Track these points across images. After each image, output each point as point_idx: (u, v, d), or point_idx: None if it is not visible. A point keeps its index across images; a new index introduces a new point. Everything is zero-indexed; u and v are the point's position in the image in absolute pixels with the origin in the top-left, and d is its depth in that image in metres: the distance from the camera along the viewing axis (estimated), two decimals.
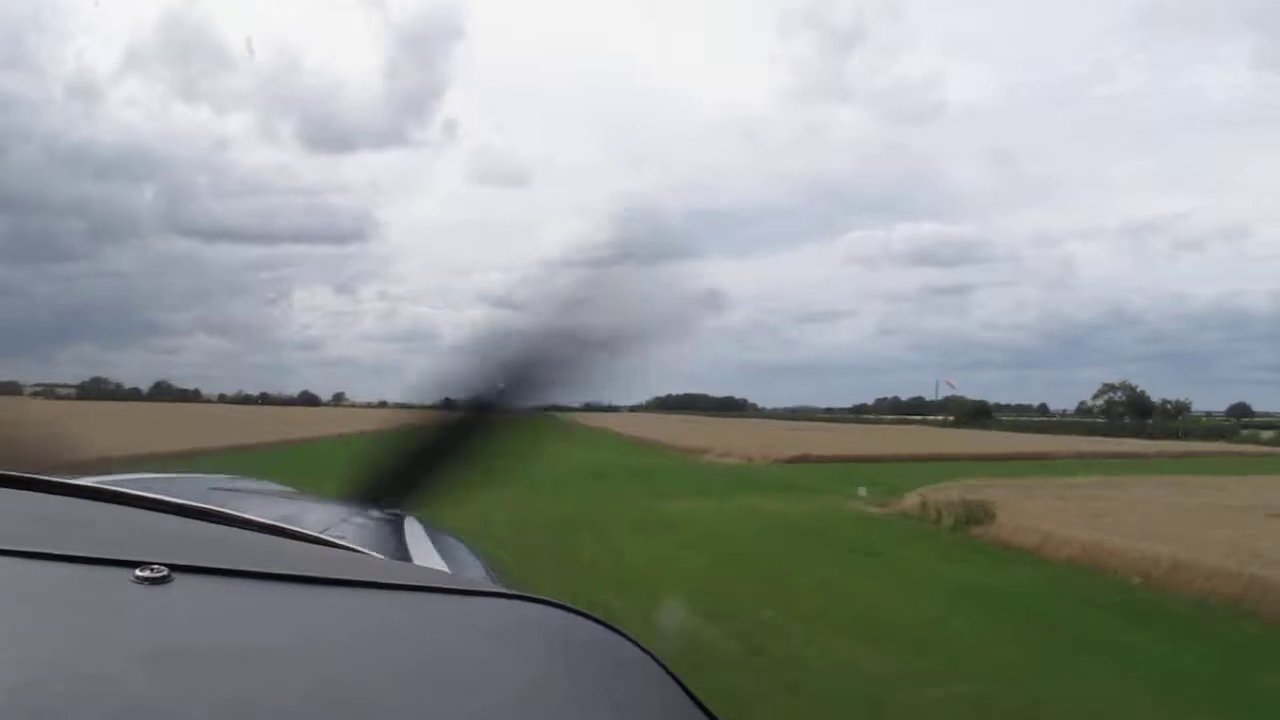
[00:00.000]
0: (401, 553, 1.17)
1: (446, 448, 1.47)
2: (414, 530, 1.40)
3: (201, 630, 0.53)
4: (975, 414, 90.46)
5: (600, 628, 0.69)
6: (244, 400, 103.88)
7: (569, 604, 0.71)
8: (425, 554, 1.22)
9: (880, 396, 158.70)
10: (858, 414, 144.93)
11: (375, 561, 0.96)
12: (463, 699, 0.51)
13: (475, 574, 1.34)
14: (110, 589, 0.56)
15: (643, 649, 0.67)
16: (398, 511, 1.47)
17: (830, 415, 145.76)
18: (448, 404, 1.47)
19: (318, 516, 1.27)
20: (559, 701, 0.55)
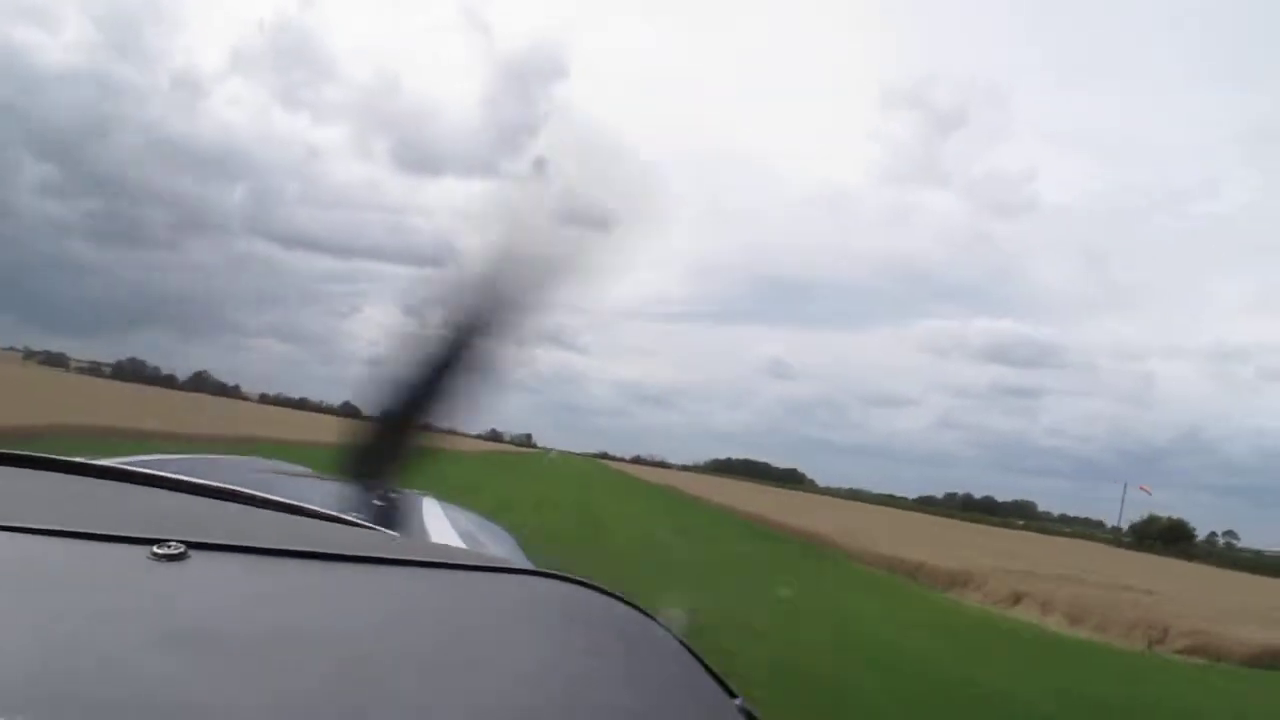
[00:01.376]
0: (421, 531, 1.21)
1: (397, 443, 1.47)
2: (432, 509, 1.51)
3: (218, 608, 0.53)
4: (1170, 537, 72.05)
5: (622, 605, 0.70)
6: (281, 402, 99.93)
7: (591, 581, 0.72)
8: (444, 531, 1.27)
9: (950, 491, 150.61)
10: (924, 505, 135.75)
11: (395, 539, 0.95)
12: (485, 676, 0.51)
13: (498, 550, 1.45)
14: (127, 566, 0.56)
15: (664, 627, 0.70)
16: (418, 491, 1.54)
17: (892, 501, 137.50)
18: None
19: (337, 497, 1.28)
20: (582, 677, 0.55)
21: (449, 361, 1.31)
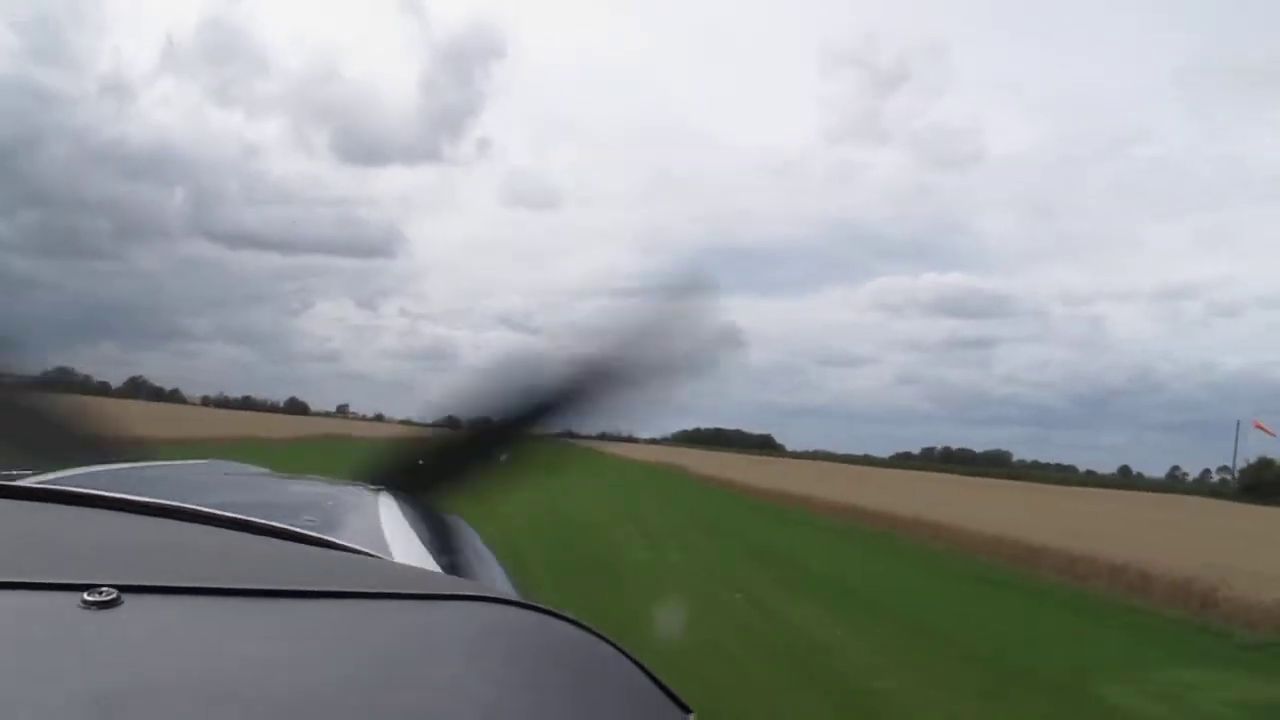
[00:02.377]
0: (375, 532, 1.14)
1: (452, 459, 1.55)
2: (388, 506, 1.36)
3: (150, 660, 0.51)
4: None
5: (572, 627, 0.70)
6: (225, 403, 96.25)
7: (538, 603, 0.72)
8: (400, 531, 1.20)
9: (926, 446, 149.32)
10: (902, 463, 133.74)
11: (339, 558, 0.90)
12: (431, 709, 0.51)
13: (465, 557, 1.33)
14: (56, 617, 0.54)
15: (617, 647, 0.68)
16: (378, 486, 1.45)
17: (868, 460, 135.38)
18: (452, 422, 1.54)
19: (292, 498, 1.30)
20: (532, 705, 0.55)
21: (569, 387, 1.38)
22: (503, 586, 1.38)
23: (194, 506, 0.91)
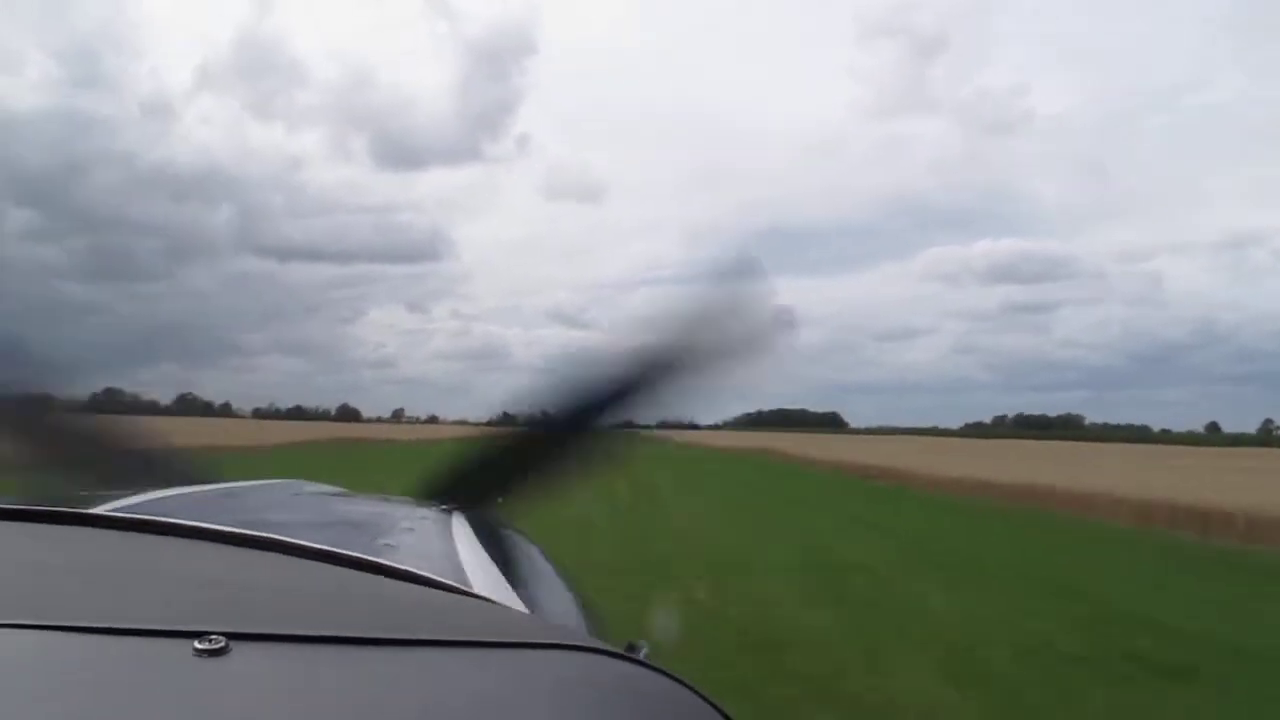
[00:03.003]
0: (453, 559, 1.13)
1: (517, 461, 1.50)
2: (460, 528, 1.34)
3: (260, 708, 0.53)
4: None
5: (670, 682, 0.69)
6: (273, 415, 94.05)
7: (634, 654, 0.71)
8: (474, 554, 1.19)
9: (998, 414, 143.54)
10: (974, 432, 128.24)
11: (433, 597, 0.89)
12: None
13: (539, 583, 1.33)
14: (170, 665, 0.55)
15: (710, 702, 0.68)
16: (454, 508, 1.47)
17: (936, 432, 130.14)
18: (511, 419, 1.51)
19: (368, 521, 1.28)
20: None
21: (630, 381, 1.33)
22: (577, 618, 1.27)
23: (285, 539, 0.91)
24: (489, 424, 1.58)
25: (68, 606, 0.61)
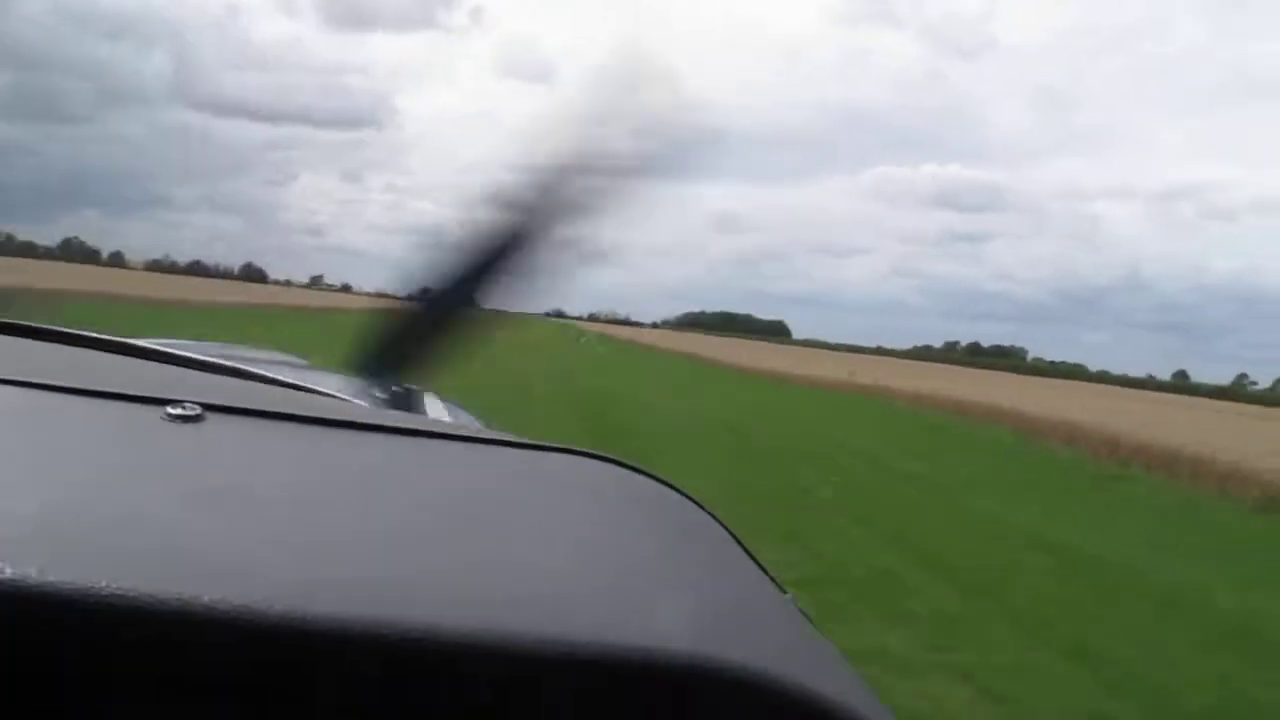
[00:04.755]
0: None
1: (421, 333, 1.48)
2: (434, 405, 1.47)
3: (237, 468, 0.54)
4: None
5: (658, 484, 0.70)
6: (169, 269, 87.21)
7: (621, 458, 0.72)
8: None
9: (950, 340, 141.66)
10: (922, 355, 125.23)
11: (409, 416, 0.94)
12: (513, 544, 0.50)
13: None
14: (142, 425, 0.57)
15: (703, 508, 0.69)
16: (415, 386, 1.53)
17: (882, 352, 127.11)
18: (417, 294, 1.47)
19: (340, 385, 1.25)
20: (619, 552, 0.54)
21: (506, 246, 1.34)
22: None
23: (263, 371, 0.93)
24: (396, 297, 1.48)
25: (49, 373, 0.63)
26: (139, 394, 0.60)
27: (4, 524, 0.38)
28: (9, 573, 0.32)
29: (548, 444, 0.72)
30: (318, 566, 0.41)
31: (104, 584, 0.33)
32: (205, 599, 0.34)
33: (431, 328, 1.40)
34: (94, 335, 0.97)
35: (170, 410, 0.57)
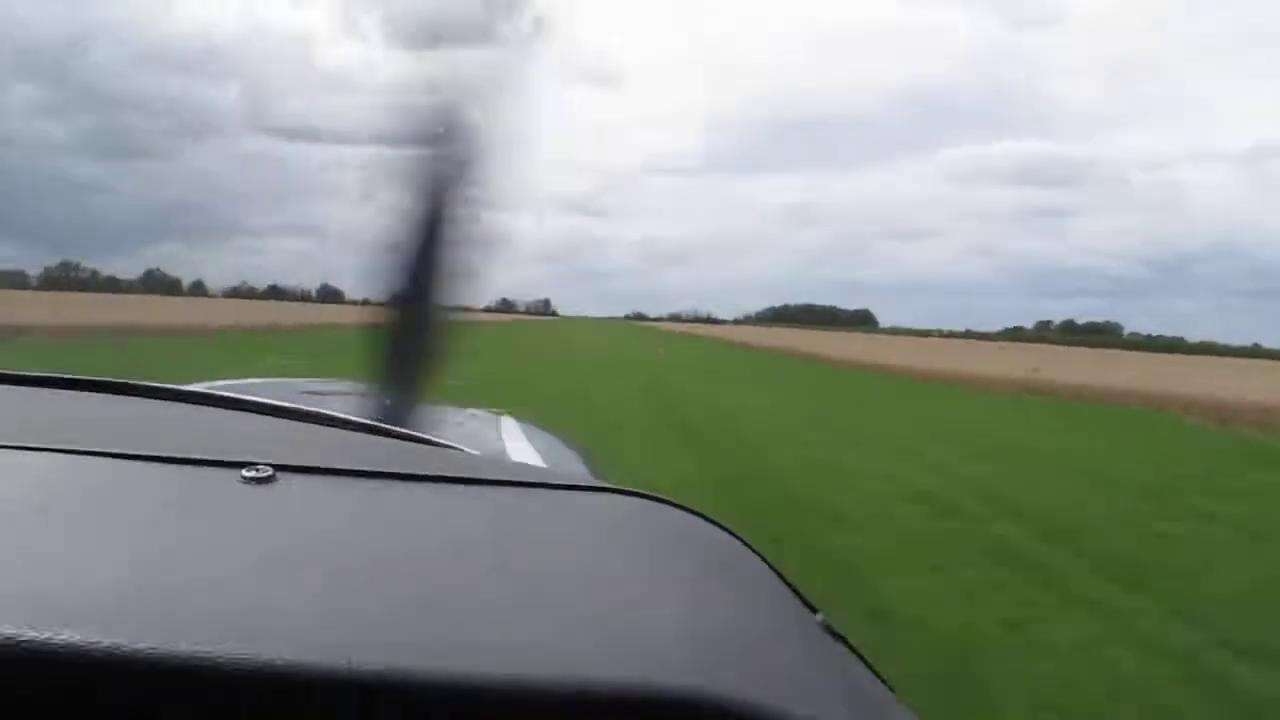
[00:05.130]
0: (500, 452, 1.22)
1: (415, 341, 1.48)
2: (510, 428, 1.53)
3: (309, 529, 0.56)
4: None
5: (707, 524, 0.72)
6: (247, 294, 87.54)
7: (674, 499, 0.74)
8: (523, 451, 1.28)
9: (1042, 320, 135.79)
10: (1013, 336, 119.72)
11: (476, 458, 0.99)
12: (575, 594, 0.52)
13: (574, 469, 1.43)
14: (217, 489, 0.60)
15: (750, 547, 0.71)
16: (497, 410, 1.64)
17: (970, 335, 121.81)
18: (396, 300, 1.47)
19: (414, 415, 1.30)
20: (671, 595, 0.56)
21: (443, 235, 1.36)
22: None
23: (334, 413, 0.96)
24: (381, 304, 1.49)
25: (116, 441, 0.65)
26: (212, 457, 0.63)
27: (95, 594, 0.41)
28: (105, 643, 0.35)
29: (598, 485, 0.79)
30: (388, 631, 0.43)
31: (189, 647, 0.36)
32: (283, 659, 0.36)
33: (421, 331, 1.35)
34: (165, 387, 1.00)
35: (245, 474, 0.60)
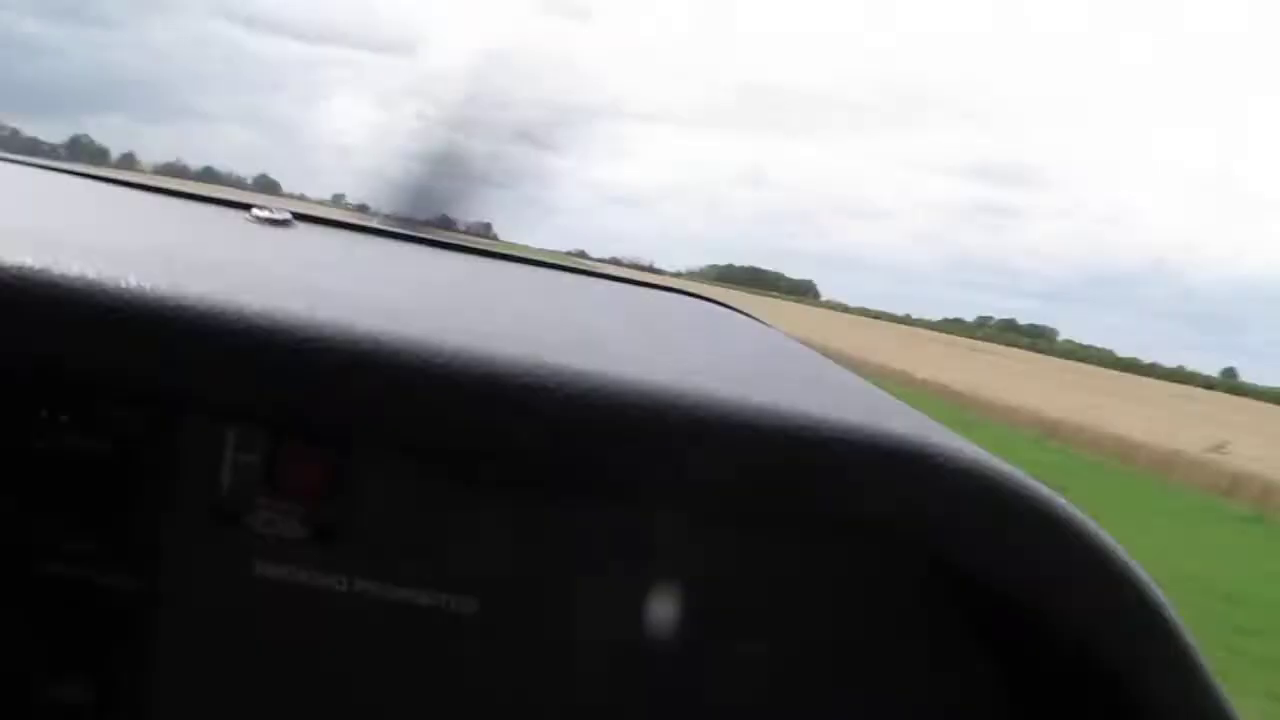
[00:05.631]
0: None
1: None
2: None
3: (320, 267, 0.57)
4: None
5: (758, 324, 0.77)
6: (180, 172, 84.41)
7: (719, 299, 0.78)
8: None
9: (982, 315, 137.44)
10: (953, 328, 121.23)
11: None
12: (649, 356, 0.50)
13: None
14: (227, 226, 0.61)
15: (809, 347, 0.75)
16: None
17: (910, 321, 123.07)
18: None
19: None
20: (748, 367, 0.57)
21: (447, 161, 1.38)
22: None
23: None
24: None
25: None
26: (224, 198, 0.63)
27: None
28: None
29: (647, 280, 0.80)
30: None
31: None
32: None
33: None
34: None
35: (256, 213, 0.57)
